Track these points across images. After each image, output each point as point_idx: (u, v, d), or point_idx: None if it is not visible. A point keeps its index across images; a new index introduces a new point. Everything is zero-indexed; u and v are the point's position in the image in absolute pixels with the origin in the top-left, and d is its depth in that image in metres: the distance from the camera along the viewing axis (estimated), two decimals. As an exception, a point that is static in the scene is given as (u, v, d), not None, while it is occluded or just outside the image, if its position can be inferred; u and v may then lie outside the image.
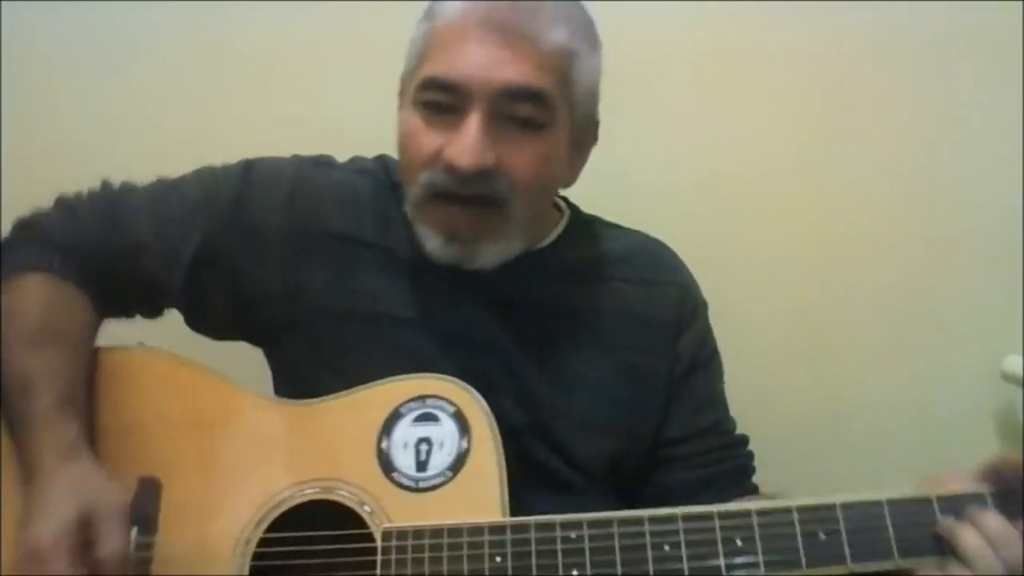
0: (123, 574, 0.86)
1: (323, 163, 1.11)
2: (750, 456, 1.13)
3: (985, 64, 1.47)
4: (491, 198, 0.96)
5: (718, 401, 1.14)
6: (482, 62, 0.93)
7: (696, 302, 1.14)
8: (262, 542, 0.93)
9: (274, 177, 1.08)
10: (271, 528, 0.93)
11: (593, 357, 1.07)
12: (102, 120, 1.44)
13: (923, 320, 1.54)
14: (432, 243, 0.99)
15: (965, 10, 1.44)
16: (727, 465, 1.09)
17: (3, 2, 1.41)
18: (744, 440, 1.14)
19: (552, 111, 0.97)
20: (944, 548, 0.82)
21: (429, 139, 0.96)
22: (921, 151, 1.50)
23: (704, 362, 1.12)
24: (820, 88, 1.48)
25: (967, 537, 0.81)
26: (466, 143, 0.93)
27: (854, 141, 1.50)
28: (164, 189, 1.09)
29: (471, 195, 0.96)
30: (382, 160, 1.13)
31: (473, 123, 0.93)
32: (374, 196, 1.08)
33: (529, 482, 0.97)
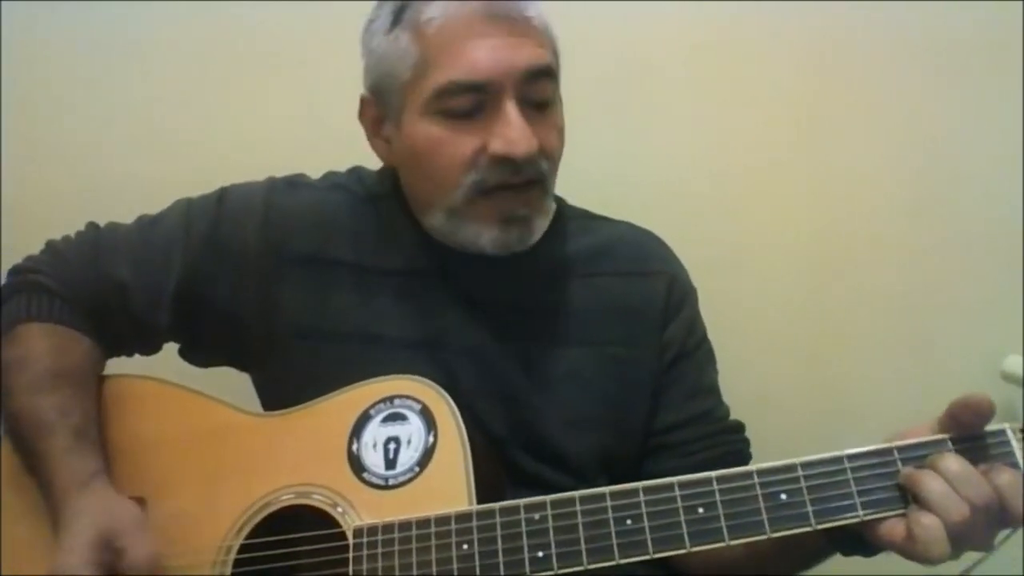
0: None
1: (295, 184, 1.09)
2: (746, 443, 1.07)
3: (985, 64, 1.42)
4: (539, 179, 0.96)
5: (709, 388, 1.09)
6: (501, 54, 0.91)
7: (684, 290, 1.10)
8: (243, 548, 0.91)
9: (246, 204, 1.06)
10: (252, 535, 0.91)
11: (577, 354, 1.03)
12: (102, 120, 1.43)
13: (923, 320, 1.47)
14: (487, 235, 0.97)
15: (965, 10, 1.40)
16: (720, 451, 1.03)
17: (3, 2, 1.40)
18: (739, 427, 1.08)
19: (557, 85, 0.97)
20: (908, 498, 0.76)
21: (462, 143, 0.93)
22: (921, 151, 1.45)
23: (692, 350, 1.08)
24: (820, 87, 1.44)
25: (928, 482, 0.74)
26: (515, 133, 0.91)
27: (854, 141, 1.45)
28: (144, 227, 1.08)
29: (524, 181, 0.95)
30: (356, 172, 1.11)
31: (513, 112, 0.91)
32: (347, 212, 1.06)
33: (521, 491, 0.92)
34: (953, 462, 0.75)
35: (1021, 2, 1.39)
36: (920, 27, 1.42)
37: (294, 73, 1.43)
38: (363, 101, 1.02)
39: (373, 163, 1.11)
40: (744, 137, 1.45)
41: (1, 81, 1.40)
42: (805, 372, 1.48)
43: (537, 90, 0.94)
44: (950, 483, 0.74)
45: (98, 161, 1.37)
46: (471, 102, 0.92)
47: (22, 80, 1.40)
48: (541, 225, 1.00)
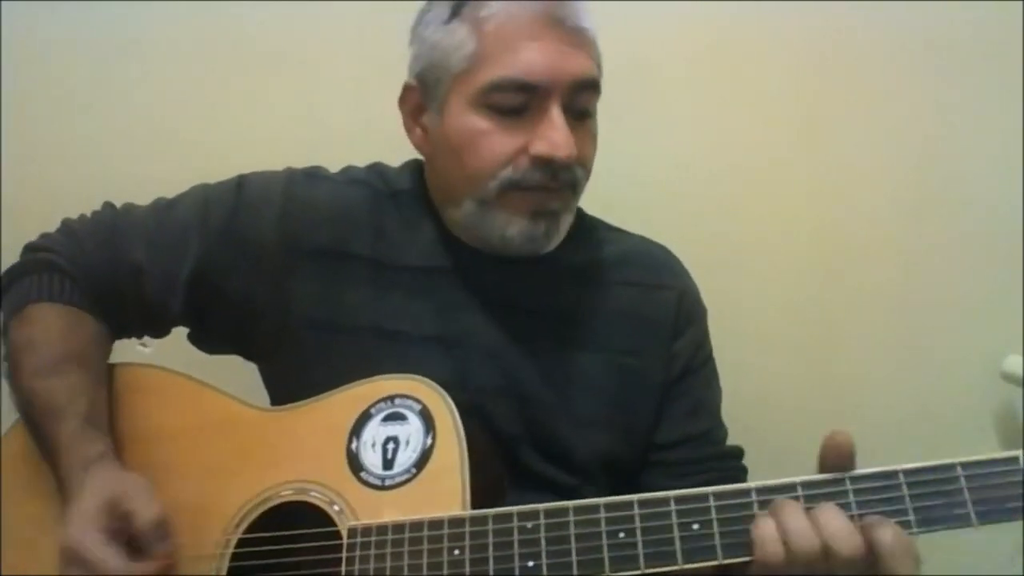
0: (166, 543, 0.84)
1: (314, 176, 1.05)
2: (742, 470, 1.03)
3: (985, 64, 1.40)
4: (573, 184, 0.95)
5: (711, 409, 1.06)
6: (555, 59, 0.90)
7: (694, 307, 1.07)
8: (241, 543, 0.88)
9: (265, 194, 1.02)
10: (252, 528, 0.89)
11: (589, 358, 1.00)
12: (102, 120, 1.39)
13: (923, 320, 1.44)
14: (516, 227, 0.94)
15: (965, 10, 1.37)
16: (715, 475, 0.99)
17: (3, 2, 1.37)
18: (737, 452, 1.04)
19: (598, 97, 0.96)
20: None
21: (506, 139, 0.92)
22: (921, 151, 1.42)
23: (699, 367, 1.05)
24: (820, 88, 1.42)
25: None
26: (559, 136, 0.90)
27: (854, 141, 1.43)
28: (161, 210, 1.04)
29: (559, 186, 0.94)
30: (376, 169, 1.08)
31: (558, 117, 0.91)
32: (367, 206, 1.03)
33: (526, 489, 0.91)
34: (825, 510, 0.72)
35: (1021, 2, 1.37)
36: (920, 27, 1.39)
37: (295, 73, 1.39)
38: (406, 88, 0.99)
39: (376, 161, 1.09)
40: (744, 137, 1.42)
41: (1, 81, 1.37)
42: (805, 372, 1.45)
43: (582, 100, 0.94)
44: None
45: (98, 161, 1.34)
46: (519, 100, 0.91)
47: (22, 80, 1.37)
48: (567, 223, 0.99)
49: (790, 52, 1.40)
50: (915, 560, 0.70)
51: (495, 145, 0.92)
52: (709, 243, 1.38)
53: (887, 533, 0.70)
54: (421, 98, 0.98)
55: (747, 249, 1.43)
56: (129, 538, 0.83)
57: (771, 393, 1.40)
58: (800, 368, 1.44)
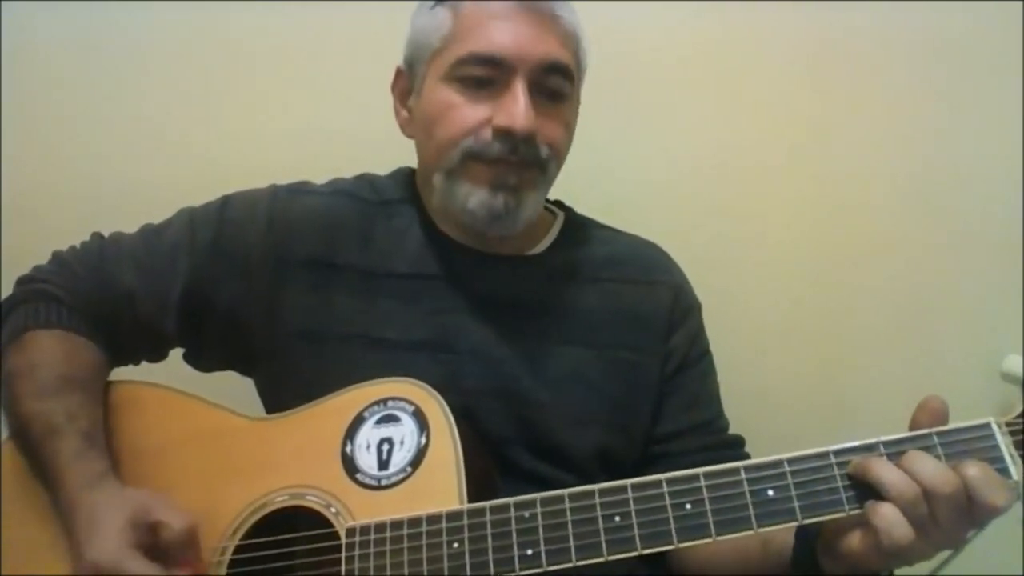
0: (197, 549, 0.88)
1: (297, 190, 1.11)
2: (746, 458, 1.07)
3: (985, 64, 1.44)
4: (535, 162, 1.00)
5: (711, 400, 1.11)
6: (522, 38, 0.98)
7: (689, 302, 1.12)
8: (238, 549, 0.92)
9: (249, 211, 1.07)
10: (248, 535, 0.93)
11: (583, 355, 1.05)
12: (102, 121, 1.43)
13: (923, 320, 1.48)
14: (477, 197, 1.00)
15: (965, 10, 1.42)
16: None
17: (3, 2, 1.40)
18: (739, 441, 1.09)
19: (571, 85, 1.02)
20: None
21: (471, 111, 0.98)
22: (921, 151, 1.46)
23: (695, 360, 1.10)
24: (820, 87, 1.46)
25: (877, 466, 0.75)
26: (518, 108, 0.96)
27: (854, 141, 1.47)
28: (148, 236, 1.09)
29: (520, 160, 0.99)
30: (365, 178, 1.13)
31: (519, 91, 0.97)
32: (354, 216, 1.08)
33: (522, 488, 0.93)
34: (910, 453, 0.76)
35: (1021, 2, 1.40)
36: (920, 27, 1.43)
37: (296, 75, 1.44)
38: (398, 72, 1.08)
39: (376, 170, 1.13)
40: (743, 137, 1.46)
41: (1, 81, 1.40)
42: (805, 372, 1.48)
43: (551, 82, 1.00)
44: (900, 466, 0.75)
45: (98, 162, 1.37)
46: (485, 73, 0.98)
47: (22, 80, 1.40)
48: (531, 204, 1.02)
49: (790, 52, 1.44)
50: (1008, 489, 0.74)
51: (460, 116, 0.99)
52: (709, 243, 1.42)
53: (973, 467, 0.75)
54: (408, 82, 1.06)
55: (747, 249, 1.47)
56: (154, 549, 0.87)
57: (771, 393, 1.44)
58: (800, 368, 1.48)
